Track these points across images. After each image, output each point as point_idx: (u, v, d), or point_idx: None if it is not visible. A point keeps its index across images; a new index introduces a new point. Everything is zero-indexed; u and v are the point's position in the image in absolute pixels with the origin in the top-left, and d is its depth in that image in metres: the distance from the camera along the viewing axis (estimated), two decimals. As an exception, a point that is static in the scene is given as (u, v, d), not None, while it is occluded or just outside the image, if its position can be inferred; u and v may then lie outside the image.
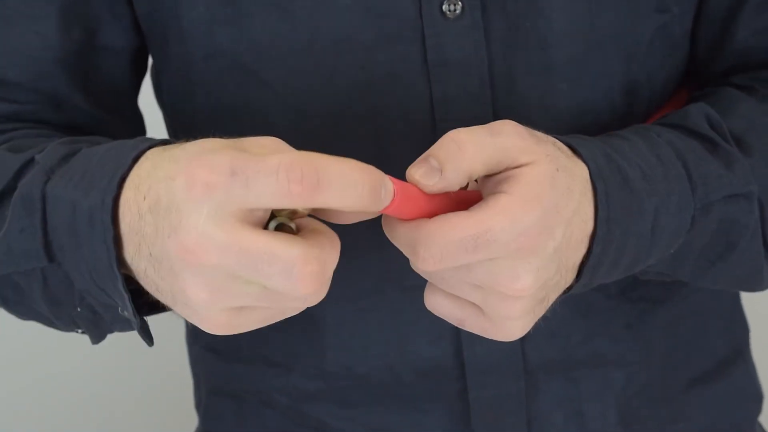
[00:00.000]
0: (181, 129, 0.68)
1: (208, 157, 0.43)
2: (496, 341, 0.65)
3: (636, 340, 0.70)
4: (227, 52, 0.62)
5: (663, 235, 0.55)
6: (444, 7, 0.59)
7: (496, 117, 0.61)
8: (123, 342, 1.35)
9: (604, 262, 0.53)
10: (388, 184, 0.45)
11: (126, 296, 0.50)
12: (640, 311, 0.70)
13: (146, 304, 0.52)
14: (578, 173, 0.52)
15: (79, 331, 0.60)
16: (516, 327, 0.52)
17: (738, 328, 0.77)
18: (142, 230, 0.46)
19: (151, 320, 0.64)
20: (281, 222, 0.46)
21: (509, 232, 0.47)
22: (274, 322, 0.48)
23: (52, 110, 0.65)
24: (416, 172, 0.49)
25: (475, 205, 0.49)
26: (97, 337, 0.60)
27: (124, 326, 0.56)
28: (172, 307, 0.49)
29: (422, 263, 0.48)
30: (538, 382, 0.68)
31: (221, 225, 0.43)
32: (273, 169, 0.41)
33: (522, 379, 0.67)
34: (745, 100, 0.63)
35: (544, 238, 0.49)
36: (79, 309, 0.57)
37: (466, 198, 0.51)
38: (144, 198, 0.46)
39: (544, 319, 0.64)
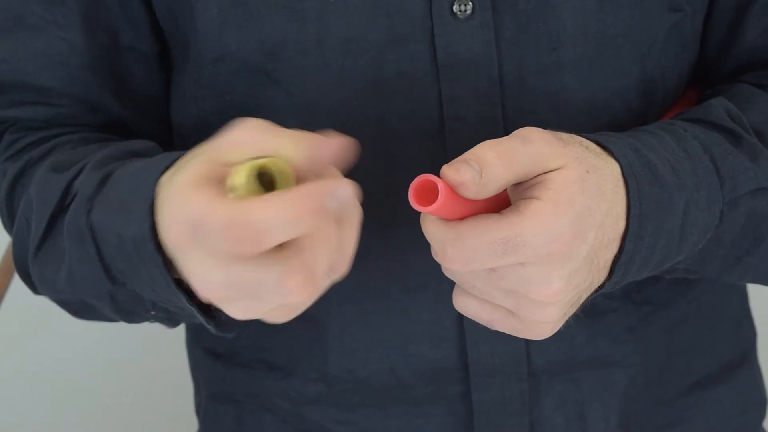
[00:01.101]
0: (187, 130, 0.68)
1: (174, 214, 0.45)
2: (501, 343, 0.65)
3: (638, 342, 0.69)
4: (237, 54, 0.62)
5: (693, 230, 0.55)
6: (455, 7, 0.59)
7: (506, 117, 0.61)
8: (124, 346, 1.35)
9: (636, 259, 0.53)
10: (340, 193, 0.43)
11: (193, 309, 0.53)
12: (643, 314, 0.69)
13: None
14: (608, 171, 0.51)
15: (153, 321, 0.63)
16: (547, 328, 0.52)
17: (745, 331, 0.77)
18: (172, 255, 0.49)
19: (154, 327, 0.65)
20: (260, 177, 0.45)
21: (541, 237, 0.48)
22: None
23: (87, 113, 0.67)
24: (456, 171, 0.48)
25: (507, 209, 0.49)
26: (172, 326, 0.63)
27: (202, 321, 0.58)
28: None
29: (450, 263, 0.49)
30: (541, 384, 0.68)
31: (212, 266, 0.45)
32: (218, 230, 0.43)
33: (525, 381, 0.67)
34: (760, 95, 0.63)
35: (577, 243, 0.49)
36: (153, 312, 0.60)
37: (503, 199, 0.51)
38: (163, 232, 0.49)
39: None
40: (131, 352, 1.34)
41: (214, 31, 0.62)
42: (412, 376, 0.67)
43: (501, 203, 0.51)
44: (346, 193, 0.44)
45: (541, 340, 0.67)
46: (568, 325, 0.67)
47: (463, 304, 0.53)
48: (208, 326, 0.54)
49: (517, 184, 0.50)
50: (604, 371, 0.69)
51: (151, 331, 0.63)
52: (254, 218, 0.42)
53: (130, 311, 0.60)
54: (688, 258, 0.58)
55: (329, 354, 0.68)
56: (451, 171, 0.47)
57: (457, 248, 0.48)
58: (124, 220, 0.52)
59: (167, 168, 0.51)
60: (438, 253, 0.49)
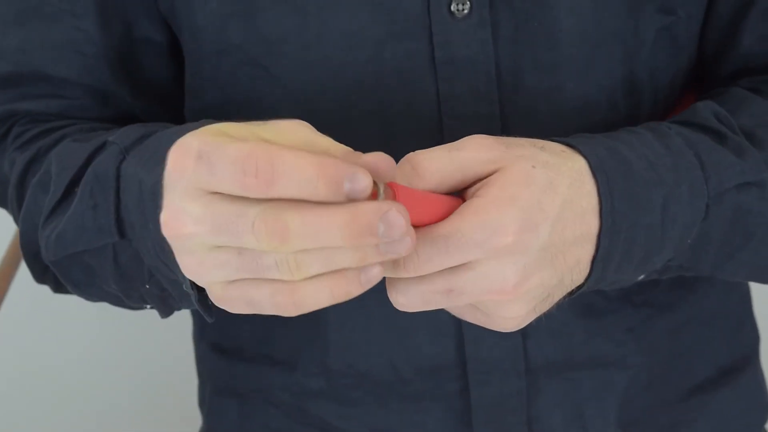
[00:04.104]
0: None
1: (186, 141, 0.44)
2: (499, 340, 0.66)
3: (638, 343, 0.70)
4: (239, 47, 0.62)
5: (675, 226, 0.55)
6: (452, 6, 0.60)
7: (503, 114, 0.61)
8: (128, 340, 1.36)
9: (614, 256, 0.53)
10: (358, 178, 0.42)
11: (181, 274, 0.50)
12: (644, 316, 0.70)
13: None
14: (566, 167, 0.51)
15: (148, 306, 0.62)
16: (514, 323, 0.52)
17: (746, 335, 0.77)
18: None
19: (159, 320, 0.65)
20: None
21: (480, 231, 0.47)
22: (262, 308, 0.46)
23: (99, 105, 0.67)
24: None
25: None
26: (165, 312, 0.61)
27: (190, 303, 0.56)
28: None
29: (404, 271, 0.48)
30: (539, 382, 0.68)
31: (195, 199, 0.43)
32: (231, 159, 0.42)
33: (523, 379, 0.67)
34: (753, 99, 0.63)
35: (526, 236, 0.48)
36: (148, 286, 0.58)
37: None
38: None
39: (547, 317, 0.64)
40: (135, 345, 1.34)
41: (216, 23, 0.62)
42: (412, 371, 0.68)
43: None
44: (363, 184, 0.42)
45: (539, 338, 0.67)
46: (565, 324, 0.67)
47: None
48: (191, 291, 0.52)
49: (467, 192, 0.50)
50: (603, 371, 0.69)
51: (153, 327, 0.63)
52: (277, 158, 0.41)
53: (129, 278, 0.59)
54: (679, 255, 0.58)
55: (330, 347, 0.69)
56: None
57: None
58: (150, 168, 0.52)
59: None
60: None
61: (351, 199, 0.42)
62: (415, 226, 0.48)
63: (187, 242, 0.45)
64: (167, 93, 0.70)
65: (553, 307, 0.54)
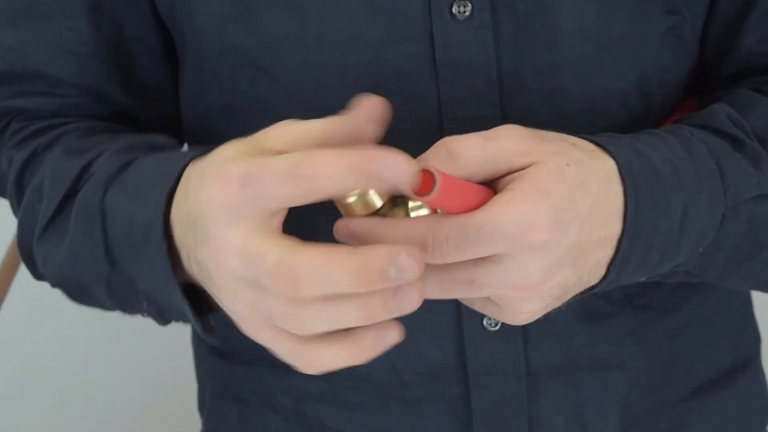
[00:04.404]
0: (195, 127, 0.69)
1: (223, 169, 0.44)
2: (499, 343, 0.66)
3: (639, 346, 0.69)
4: (239, 49, 0.62)
5: (692, 232, 0.55)
6: (454, 9, 0.60)
7: (504, 117, 0.61)
8: (128, 341, 1.36)
9: (632, 259, 0.53)
10: (396, 164, 0.42)
11: (185, 304, 0.52)
12: (645, 319, 0.69)
13: (209, 301, 0.53)
14: (597, 167, 0.51)
15: (145, 315, 0.62)
16: (525, 317, 0.52)
17: (747, 336, 0.77)
18: (186, 241, 0.49)
19: (155, 323, 0.65)
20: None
21: (515, 225, 0.47)
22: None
23: (94, 103, 0.68)
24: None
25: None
26: (163, 323, 0.62)
27: (188, 320, 0.57)
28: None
29: (431, 257, 0.48)
30: (540, 385, 0.68)
31: (239, 229, 0.44)
32: (278, 173, 0.42)
33: (524, 381, 0.67)
34: (761, 100, 0.63)
35: (556, 234, 0.48)
36: (145, 305, 0.59)
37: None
38: (184, 212, 0.49)
39: (548, 321, 0.64)
40: (135, 349, 1.35)
41: (216, 25, 0.62)
42: (413, 375, 0.68)
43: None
44: (405, 168, 0.42)
45: (540, 341, 0.67)
46: (566, 327, 0.67)
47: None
48: (196, 326, 0.54)
49: (499, 182, 0.50)
50: (605, 374, 0.69)
51: (153, 329, 0.63)
52: (313, 162, 0.42)
53: (125, 300, 0.60)
54: (688, 261, 0.58)
55: None
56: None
57: (437, 238, 0.47)
58: (139, 203, 0.53)
59: (194, 158, 0.51)
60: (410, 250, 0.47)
61: (398, 192, 0.43)
62: (449, 214, 0.48)
63: (228, 276, 0.45)
64: (161, 93, 0.70)
65: (563, 305, 0.54)
